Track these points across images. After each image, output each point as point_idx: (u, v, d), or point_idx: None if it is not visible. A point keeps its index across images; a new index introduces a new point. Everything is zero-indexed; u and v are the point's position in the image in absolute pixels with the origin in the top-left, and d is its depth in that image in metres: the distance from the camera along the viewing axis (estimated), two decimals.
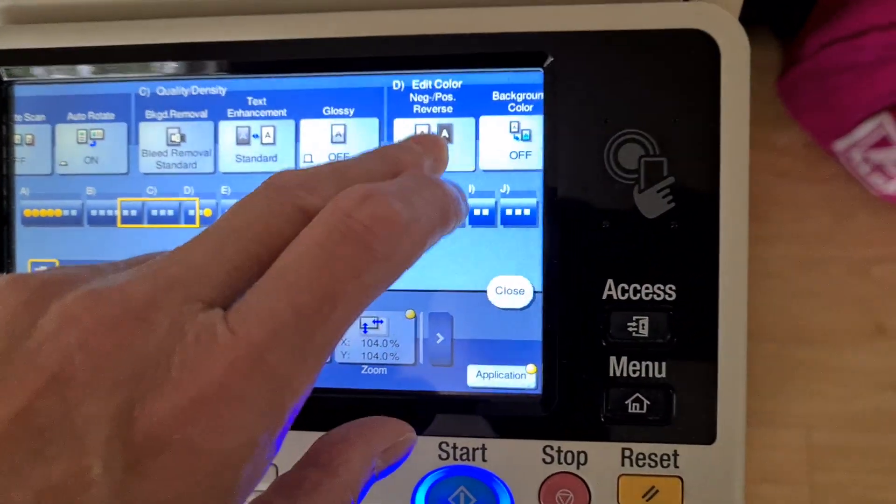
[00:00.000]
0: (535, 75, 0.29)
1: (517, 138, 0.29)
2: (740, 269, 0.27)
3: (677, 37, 0.27)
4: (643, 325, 0.28)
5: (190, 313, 0.17)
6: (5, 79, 0.31)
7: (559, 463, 0.28)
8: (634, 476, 0.28)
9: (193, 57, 0.30)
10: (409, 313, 0.29)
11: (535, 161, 0.29)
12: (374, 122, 0.29)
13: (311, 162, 0.30)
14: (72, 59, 0.30)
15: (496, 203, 0.29)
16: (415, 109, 0.29)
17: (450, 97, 0.29)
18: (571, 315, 0.28)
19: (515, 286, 0.29)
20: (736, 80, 0.27)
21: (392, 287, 0.29)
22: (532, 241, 0.29)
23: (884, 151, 0.48)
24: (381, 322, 0.29)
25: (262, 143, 0.30)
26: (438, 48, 0.28)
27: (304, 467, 0.21)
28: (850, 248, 0.49)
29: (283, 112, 0.30)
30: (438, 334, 0.29)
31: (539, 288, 0.29)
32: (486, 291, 0.29)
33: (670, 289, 0.28)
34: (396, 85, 0.29)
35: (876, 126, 0.48)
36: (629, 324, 0.28)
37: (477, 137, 0.29)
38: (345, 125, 0.30)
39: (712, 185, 0.27)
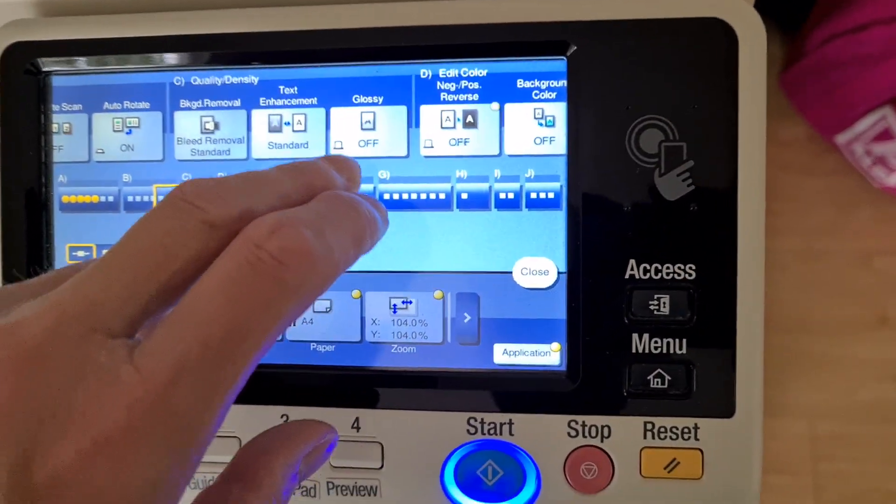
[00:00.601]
0: (559, 63, 0.30)
1: (541, 124, 0.30)
2: (758, 248, 0.28)
3: (697, 25, 0.28)
4: (664, 303, 0.29)
5: (90, 350, 0.17)
6: (43, 69, 0.32)
7: (584, 437, 0.29)
8: (656, 448, 0.29)
9: (226, 47, 0.31)
10: (438, 294, 0.30)
11: (559, 146, 0.30)
12: (403, 109, 0.30)
13: (342, 149, 0.31)
14: (108, 49, 0.31)
15: (521, 187, 0.30)
16: (441, 97, 0.30)
17: (476, 85, 0.30)
18: (595, 294, 0.29)
19: (540, 267, 0.30)
20: (753, 66, 0.28)
21: (421, 269, 0.30)
22: (556, 223, 0.30)
23: (886, 144, 0.48)
24: (410, 303, 0.31)
25: (293, 131, 0.31)
26: (464, 37, 0.29)
27: (227, 481, 0.21)
28: (853, 240, 0.49)
29: (314, 100, 0.31)
30: (466, 314, 0.30)
31: (563, 269, 0.30)
32: (511, 272, 0.30)
33: (690, 268, 0.29)
34: (424, 73, 0.30)
35: (878, 119, 0.48)
36: (651, 302, 0.29)
37: (502, 124, 0.30)
38: (374, 112, 0.31)
39: (730, 168, 0.28)
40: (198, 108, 0.31)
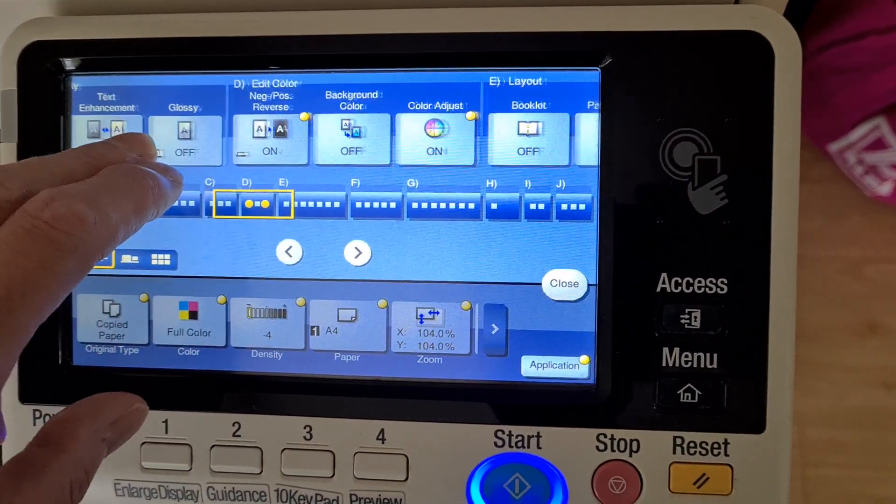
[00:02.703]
0: (593, 74, 0.29)
1: (572, 134, 0.30)
2: (790, 264, 0.28)
3: (732, 38, 0.28)
4: (695, 317, 0.28)
5: None
6: (65, 69, 0.31)
7: (612, 451, 0.29)
8: (686, 464, 0.29)
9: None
10: (465, 304, 0.30)
11: (592, 157, 0.29)
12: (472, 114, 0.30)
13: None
14: (128, 50, 0.31)
15: (552, 197, 0.30)
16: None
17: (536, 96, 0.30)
18: (625, 307, 0.29)
19: (570, 279, 0.30)
20: (789, 80, 0.28)
21: (448, 279, 0.30)
22: (587, 235, 0.29)
23: (878, 153, 0.49)
24: (438, 313, 0.30)
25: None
26: (505, 45, 0.29)
27: (33, 447, 0.22)
28: (844, 247, 0.50)
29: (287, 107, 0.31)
30: (494, 325, 0.30)
31: (593, 281, 0.29)
32: (540, 284, 0.30)
33: (722, 282, 0.28)
34: (493, 81, 0.30)
35: (871, 128, 0.49)
36: (682, 316, 0.29)
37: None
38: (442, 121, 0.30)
39: (765, 182, 0.28)
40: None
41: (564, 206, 0.30)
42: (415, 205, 0.30)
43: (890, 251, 0.50)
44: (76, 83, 0.31)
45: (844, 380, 0.50)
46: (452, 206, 0.30)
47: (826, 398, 0.50)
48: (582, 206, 0.30)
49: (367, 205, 0.30)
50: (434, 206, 0.30)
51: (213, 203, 0.31)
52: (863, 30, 0.48)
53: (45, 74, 0.31)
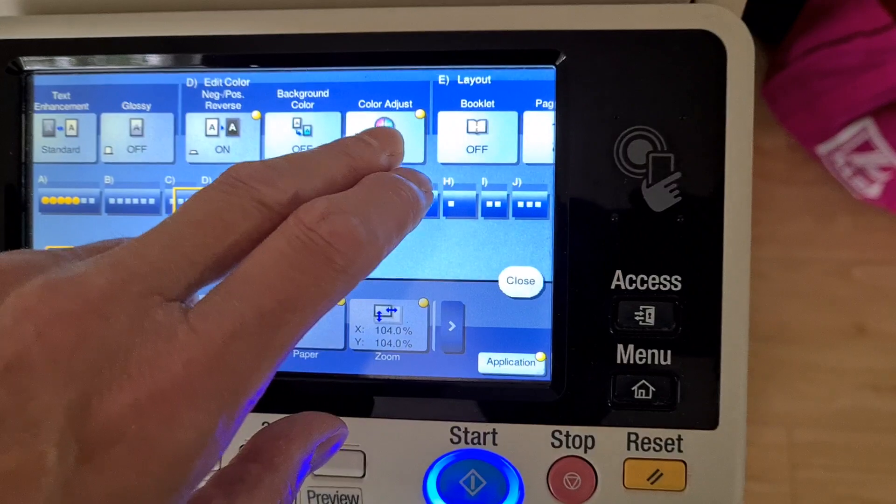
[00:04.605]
0: (543, 73, 0.30)
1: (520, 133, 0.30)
2: (743, 261, 0.28)
3: (686, 37, 0.28)
4: (650, 314, 0.29)
5: (148, 307, 0.18)
6: (25, 68, 0.31)
7: (567, 447, 0.29)
8: (640, 460, 0.29)
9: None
10: (423, 302, 0.30)
11: (542, 155, 0.30)
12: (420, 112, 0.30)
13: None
14: (91, 49, 0.31)
15: (508, 195, 0.30)
16: (462, 104, 0.30)
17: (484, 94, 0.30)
18: (580, 304, 0.29)
19: (526, 276, 0.30)
20: (741, 79, 0.28)
21: (406, 276, 0.30)
22: (543, 232, 0.30)
23: (866, 155, 0.49)
24: (395, 310, 0.30)
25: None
26: (460, 44, 0.29)
27: (245, 462, 0.22)
28: (832, 249, 0.50)
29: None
30: (451, 322, 0.30)
31: (549, 278, 0.30)
32: (497, 281, 0.30)
33: (676, 279, 0.29)
34: (442, 80, 0.30)
35: (859, 130, 0.49)
36: (636, 313, 0.29)
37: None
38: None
39: (718, 180, 0.28)
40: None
41: (521, 204, 0.30)
42: None
43: (878, 253, 0.50)
44: (35, 81, 0.31)
45: (832, 382, 0.50)
46: None
47: (814, 400, 0.50)
48: (538, 204, 0.30)
49: None
50: None
51: (173, 201, 0.31)
52: (850, 32, 0.48)
53: (5, 73, 0.31)
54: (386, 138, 0.26)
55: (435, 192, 0.30)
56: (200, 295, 0.19)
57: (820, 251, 0.50)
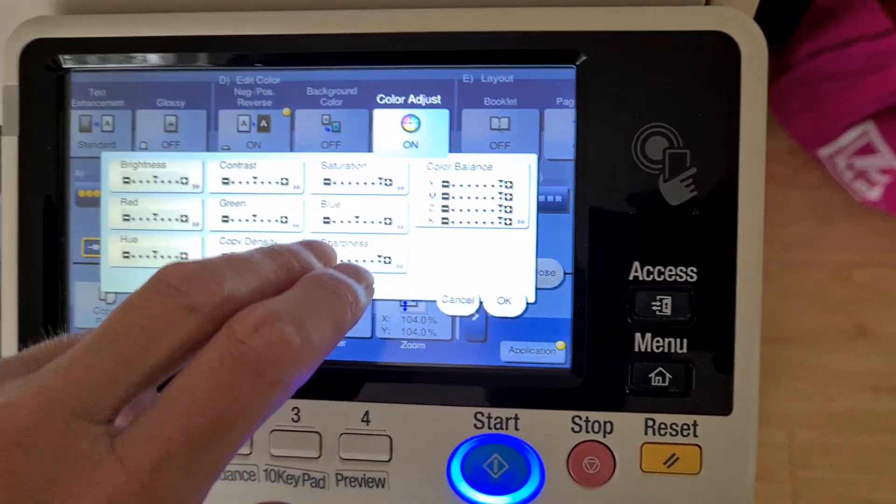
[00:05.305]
0: (564, 72, 0.31)
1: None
2: (756, 252, 0.30)
3: (701, 38, 0.30)
4: (666, 304, 0.30)
5: (73, 436, 0.17)
6: (63, 66, 0.32)
7: (587, 432, 0.30)
8: (657, 444, 0.30)
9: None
10: None
11: (562, 151, 0.31)
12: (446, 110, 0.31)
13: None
14: (127, 48, 0.32)
15: None
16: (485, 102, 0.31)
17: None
18: (599, 295, 0.30)
19: (547, 268, 0.31)
20: (755, 78, 0.29)
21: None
22: (563, 226, 0.31)
23: (867, 158, 0.50)
24: (420, 301, 0.31)
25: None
26: (484, 44, 0.30)
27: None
28: (833, 252, 0.51)
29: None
30: (474, 313, 0.31)
31: (569, 270, 0.31)
32: None
33: (692, 271, 0.30)
34: (466, 78, 0.31)
35: (860, 133, 0.50)
36: (653, 303, 0.30)
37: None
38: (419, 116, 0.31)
39: (732, 175, 0.29)
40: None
41: (542, 199, 0.31)
42: None
43: (879, 256, 0.51)
44: (73, 79, 0.33)
45: (833, 383, 0.51)
46: None
47: (815, 401, 0.51)
48: (559, 199, 0.31)
49: None
50: None
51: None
52: (852, 36, 0.49)
53: (44, 71, 0.32)
54: (319, 249, 0.26)
55: None
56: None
57: (821, 253, 0.51)
